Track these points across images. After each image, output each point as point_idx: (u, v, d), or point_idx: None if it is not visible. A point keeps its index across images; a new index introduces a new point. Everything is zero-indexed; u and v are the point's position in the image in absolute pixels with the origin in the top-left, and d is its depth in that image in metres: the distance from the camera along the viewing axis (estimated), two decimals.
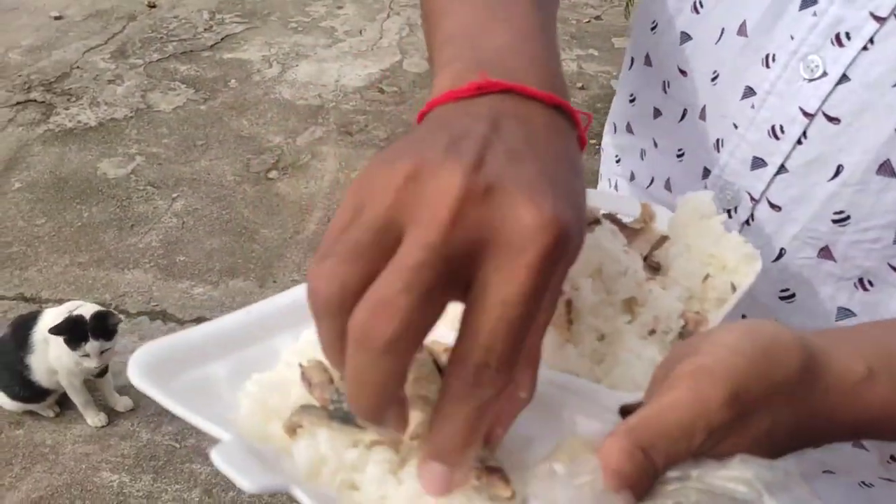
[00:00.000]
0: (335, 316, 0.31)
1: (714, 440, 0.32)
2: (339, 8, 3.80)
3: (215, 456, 0.34)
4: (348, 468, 0.37)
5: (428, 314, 0.30)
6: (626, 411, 0.39)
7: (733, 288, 0.47)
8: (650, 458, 0.31)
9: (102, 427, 1.85)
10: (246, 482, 0.33)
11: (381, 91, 3.13)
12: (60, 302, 2.16)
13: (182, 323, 2.10)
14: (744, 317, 0.57)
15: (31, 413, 1.87)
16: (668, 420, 0.32)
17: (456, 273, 0.30)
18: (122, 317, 1.86)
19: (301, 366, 0.40)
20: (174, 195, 2.55)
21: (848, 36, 0.48)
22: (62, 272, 2.25)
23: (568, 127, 0.37)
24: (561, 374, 0.43)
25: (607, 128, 0.73)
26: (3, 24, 3.45)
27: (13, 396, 1.81)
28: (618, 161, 0.71)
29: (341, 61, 3.34)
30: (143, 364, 0.40)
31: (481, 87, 0.35)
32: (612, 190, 0.71)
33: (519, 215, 0.30)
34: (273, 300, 0.46)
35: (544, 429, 0.39)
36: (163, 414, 1.89)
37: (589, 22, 3.77)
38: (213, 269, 2.28)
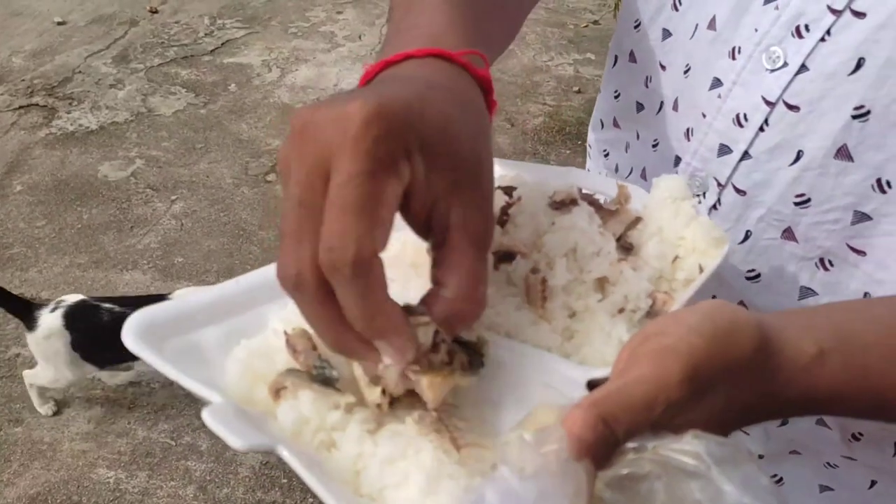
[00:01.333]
0: (302, 292, 0.35)
1: (672, 414, 0.34)
2: (339, 13, 3.83)
3: (207, 416, 0.36)
4: (329, 429, 0.39)
5: (317, 239, 0.35)
6: (592, 385, 0.41)
7: (700, 269, 0.48)
8: (611, 428, 0.33)
9: (98, 425, 1.87)
10: (236, 441, 0.35)
11: None
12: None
13: None
14: (714, 297, 0.59)
15: (30, 410, 1.88)
16: (630, 394, 0.34)
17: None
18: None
19: (286, 333, 0.42)
20: (173, 197, 2.58)
21: (807, 28, 0.50)
22: (62, 273, 2.28)
23: (451, 68, 0.42)
24: (534, 349, 0.45)
25: (593, 125, 0.75)
26: (7, 29, 3.49)
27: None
28: (606, 155, 0.72)
29: (340, 65, 3.37)
30: (136, 328, 0.42)
31: (368, 73, 0.43)
32: (591, 173, 0.73)
33: (339, 116, 0.34)
34: (262, 271, 0.48)
35: (516, 399, 0.41)
36: (159, 412, 1.91)
37: (587, 26, 3.80)
38: (210, 271, 2.30)
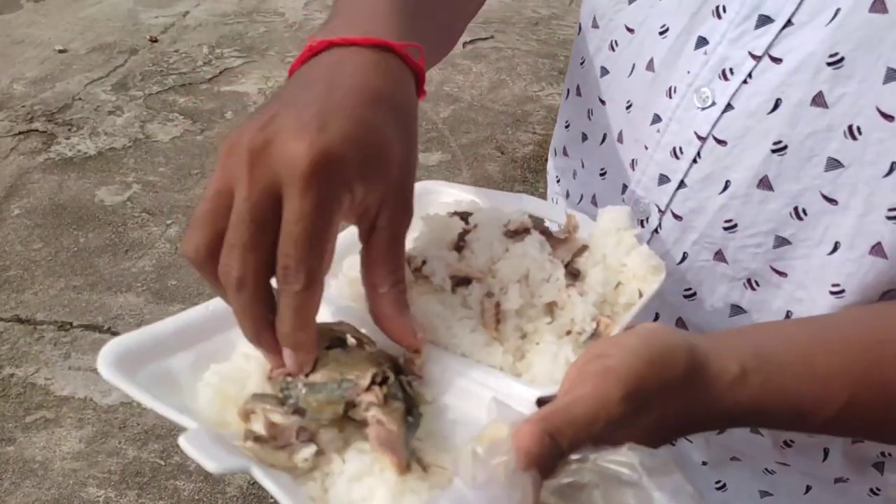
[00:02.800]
0: (201, 270, 0.42)
1: (612, 429, 0.38)
2: None
3: (183, 442, 0.39)
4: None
5: (260, 250, 0.40)
6: (541, 402, 0.45)
7: (640, 294, 0.53)
8: (557, 442, 0.37)
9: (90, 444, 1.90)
10: (211, 464, 0.38)
11: None
12: (55, 324, 2.23)
13: None
14: (657, 315, 0.64)
15: (22, 430, 1.92)
16: (574, 411, 0.38)
17: (277, 213, 0.40)
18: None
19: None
20: (168, 222, 2.63)
21: (732, 71, 0.55)
22: (57, 295, 2.32)
23: (390, 60, 0.45)
24: (488, 370, 0.49)
25: (550, 153, 0.81)
26: (9, 57, 3.56)
27: None
28: (558, 181, 0.78)
29: None
30: (110, 358, 0.44)
31: (311, 48, 0.46)
32: (543, 201, 0.78)
33: (287, 152, 0.39)
34: None
35: (471, 416, 0.45)
36: (149, 432, 1.94)
37: None
38: (203, 294, 2.34)
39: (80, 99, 3.28)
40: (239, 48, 3.79)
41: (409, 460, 0.41)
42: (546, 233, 0.56)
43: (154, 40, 3.77)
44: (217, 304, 0.50)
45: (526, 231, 0.55)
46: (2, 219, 2.61)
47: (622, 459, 0.36)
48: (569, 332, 0.50)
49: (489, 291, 0.52)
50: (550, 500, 0.36)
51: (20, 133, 3.05)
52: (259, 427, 0.42)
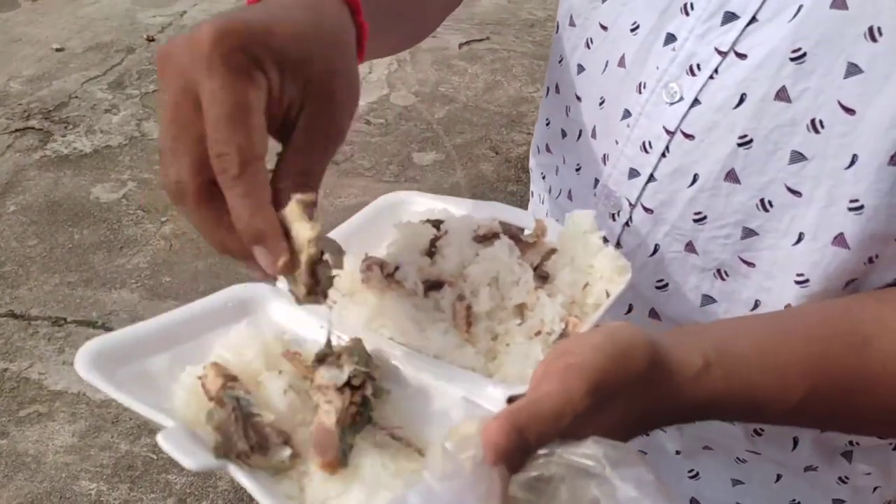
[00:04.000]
0: (184, 199, 0.41)
1: (578, 424, 0.39)
2: None
3: (161, 440, 0.40)
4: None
5: (191, 152, 0.40)
6: (512, 401, 0.45)
7: (608, 294, 0.54)
8: (524, 437, 0.38)
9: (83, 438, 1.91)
10: (188, 461, 0.39)
11: (368, 122, 3.24)
12: (49, 319, 2.24)
13: None
14: (630, 307, 0.66)
15: (15, 424, 1.93)
16: (540, 407, 0.39)
17: (196, 108, 0.40)
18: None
19: (200, 378, 0.45)
20: (163, 219, 2.64)
21: (699, 67, 0.57)
22: (52, 291, 2.33)
23: (336, 1, 0.45)
24: (460, 370, 0.50)
25: (532, 150, 0.82)
26: (6, 55, 3.57)
27: None
28: (543, 178, 0.79)
29: None
30: (88, 357, 0.45)
31: None
32: (514, 208, 0.79)
33: (191, 40, 0.39)
34: (208, 299, 0.52)
35: (444, 414, 0.46)
36: (142, 427, 1.95)
37: None
38: (197, 290, 2.35)
39: (76, 97, 3.29)
40: None
41: (344, 458, 0.42)
42: (515, 237, 0.58)
43: (151, 39, 3.78)
44: (193, 307, 0.51)
45: (495, 236, 0.56)
46: None
47: (587, 452, 0.38)
48: (538, 333, 0.52)
49: (460, 295, 0.53)
50: (519, 494, 0.38)
51: (17, 130, 3.06)
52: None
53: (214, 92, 0.39)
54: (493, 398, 0.46)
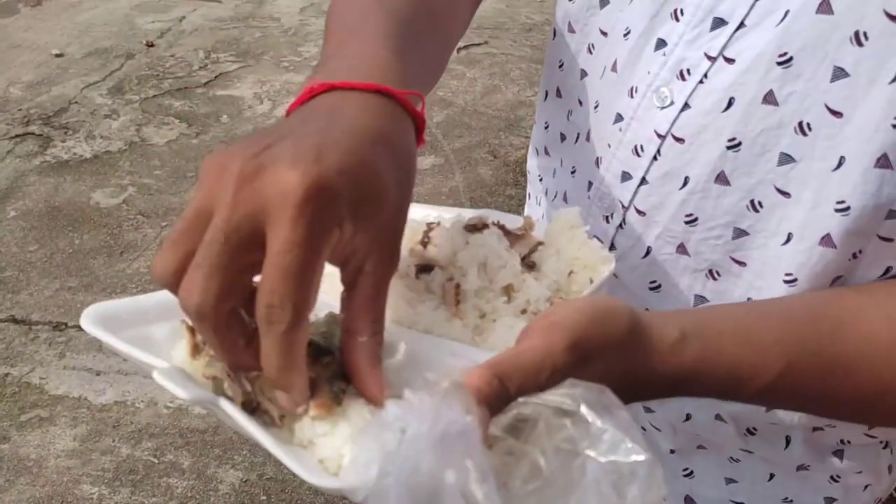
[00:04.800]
0: (171, 291, 0.39)
1: (557, 379, 0.40)
2: None
3: (156, 375, 0.40)
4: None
5: (227, 277, 0.37)
6: None
7: (591, 282, 0.56)
8: (504, 385, 0.39)
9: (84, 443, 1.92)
10: (183, 393, 0.39)
11: None
12: (50, 324, 2.25)
13: None
14: None
15: (17, 428, 1.94)
16: (522, 359, 0.40)
17: (253, 242, 0.37)
18: None
19: (183, 323, 0.45)
20: (163, 224, 2.65)
21: (689, 72, 0.58)
22: (52, 296, 2.34)
23: (391, 106, 0.44)
24: (447, 341, 0.52)
25: (530, 152, 0.83)
26: (6, 61, 3.59)
27: None
28: (540, 180, 0.81)
29: None
30: (94, 316, 0.46)
31: (311, 89, 0.45)
32: (504, 213, 0.80)
33: (281, 180, 0.36)
34: None
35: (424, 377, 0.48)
36: (143, 431, 1.96)
37: None
38: None
39: (76, 102, 3.31)
40: (234, 53, 3.82)
41: (338, 398, 0.43)
42: (504, 230, 0.59)
43: (150, 45, 3.80)
44: None
45: (485, 226, 0.58)
46: None
47: (563, 391, 0.38)
48: (524, 311, 0.53)
49: (450, 277, 0.55)
50: (497, 433, 0.39)
51: (16, 136, 3.07)
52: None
53: (291, 245, 0.36)
54: (475, 361, 0.47)
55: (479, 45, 3.92)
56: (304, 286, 0.37)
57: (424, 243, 0.56)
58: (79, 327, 2.25)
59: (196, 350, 0.45)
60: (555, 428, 0.37)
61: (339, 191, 0.38)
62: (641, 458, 0.37)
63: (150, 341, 0.47)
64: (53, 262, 2.47)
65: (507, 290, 0.55)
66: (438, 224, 0.58)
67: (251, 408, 0.42)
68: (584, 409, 0.37)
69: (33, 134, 3.09)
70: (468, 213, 0.63)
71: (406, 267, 0.54)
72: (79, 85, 3.43)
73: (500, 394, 0.39)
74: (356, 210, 0.39)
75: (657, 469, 0.37)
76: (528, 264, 0.57)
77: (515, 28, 4.18)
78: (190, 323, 0.45)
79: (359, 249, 0.41)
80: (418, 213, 0.65)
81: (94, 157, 2.97)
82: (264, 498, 1.83)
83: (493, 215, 0.64)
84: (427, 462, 0.35)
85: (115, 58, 3.68)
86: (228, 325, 0.39)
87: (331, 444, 0.42)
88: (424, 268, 0.55)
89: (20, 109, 3.23)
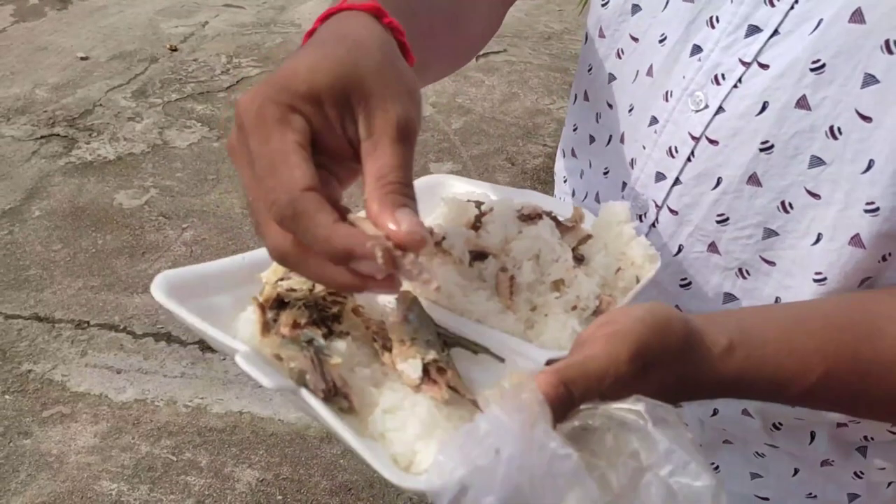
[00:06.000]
0: (285, 260, 0.42)
1: (618, 388, 0.42)
2: None
3: (240, 360, 0.42)
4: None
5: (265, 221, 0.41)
6: (551, 363, 0.48)
7: (637, 280, 0.57)
8: (570, 391, 0.41)
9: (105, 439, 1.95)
10: (267, 381, 0.41)
11: None
12: (72, 322, 2.28)
13: (184, 345, 2.21)
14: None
15: (38, 424, 1.97)
16: (587, 366, 0.42)
17: None
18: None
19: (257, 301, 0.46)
20: (184, 225, 2.69)
21: (723, 77, 0.60)
22: (75, 295, 2.37)
23: (356, 15, 0.46)
24: (503, 334, 0.53)
25: (558, 154, 0.85)
26: (32, 63, 3.65)
27: None
28: (565, 181, 0.82)
29: None
30: (164, 287, 0.48)
31: (328, 13, 0.48)
32: (548, 196, 0.82)
33: (236, 112, 0.42)
34: (262, 250, 0.52)
35: (490, 375, 0.49)
36: (162, 428, 1.98)
37: None
38: None
39: (100, 105, 3.36)
40: (256, 58, 3.86)
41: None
42: (556, 220, 0.61)
43: (174, 49, 3.85)
44: (251, 255, 0.54)
45: (539, 216, 0.60)
46: (23, 220, 2.67)
47: (630, 407, 0.40)
48: (574, 308, 0.55)
49: (503, 267, 0.56)
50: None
51: (42, 137, 3.12)
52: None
53: (254, 150, 0.40)
54: (533, 359, 0.49)
55: (497, 52, 3.95)
56: (282, 171, 0.40)
57: (476, 228, 0.58)
58: (100, 326, 2.29)
59: (266, 328, 0.46)
60: (621, 442, 0.39)
61: (273, 84, 0.41)
62: (708, 482, 0.38)
63: (215, 311, 0.49)
64: (77, 261, 2.51)
65: (558, 285, 0.56)
66: (491, 210, 0.59)
67: (329, 397, 0.43)
68: (651, 427, 0.39)
69: (58, 135, 3.14)
70: (514, 195, 0.64)
71: (461, 252, 0.55)
72: (103, 88, 3.48)
73: (565, 400, 0.40)
74: (315, 90, 0.41)
75: (721, 494, 0.38)
76: (577, 257, 0.58)
77: (534, 36, 4.21)
78: (260, 300, 0.47)
79: (355, 126, 0.42)
80: (462, 188, 0.66)
81: (118, 159, 3.01)
82: (280, 497, 1.85)
83: (538, 198, 0.66)
84: (527, 489, 0.36)
85: (139, 61, 3.73)
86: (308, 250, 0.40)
87: (403, 440, 0.43)
88: (478, 255, 0.56)
89: (45, 111, 3.28)
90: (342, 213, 0.41)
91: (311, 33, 0.48)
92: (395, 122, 0.42)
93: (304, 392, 0.42)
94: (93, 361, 2.17)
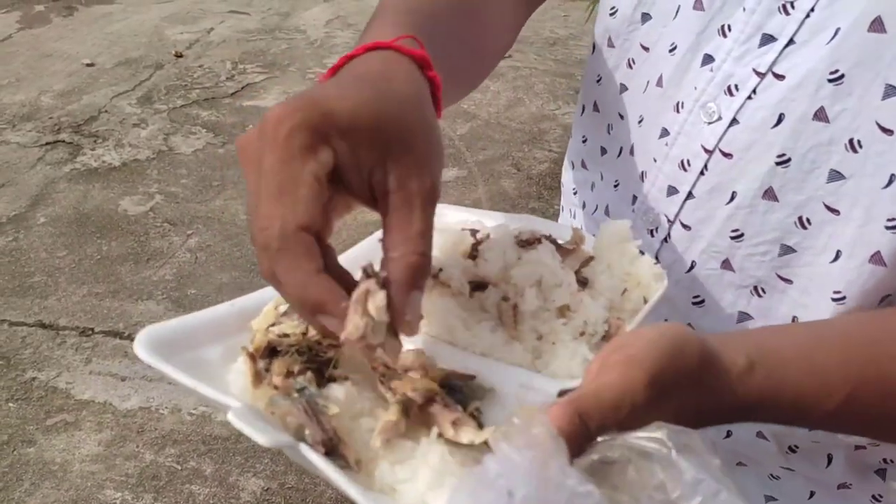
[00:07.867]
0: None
1: (635, 416, 0.40)
2: None
3: (232, 417, 0.40)
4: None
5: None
6: (563, 394, 0.46)
7: (645, 301, 0.55)
8: (585, 423, 0.39)
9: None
10: (262, 438, 0.38)
11: None
12: (77, 329, 2.28)
13: None
14: (666, 322, 0.66)
15: (42, 432, 1.96)
16: (602, 396, 0.40)
17: None
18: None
19: (245, 351, 0.45)
20: (189, 232, 2.68)
21: (737, 88, 0.58)
22: (79, 301, 2.37)
23: (405, 61, 0.47)
24: (509, 366, 0.51)
25: (565, 166, 0.83)
26: (38, 70, 3.65)
27: None
28: (575, 193, 0.81)
29: None
30: (147, 344, 0.45)
31: (353, 54, 0.49)
32: (546, 219, 0.80)
33: (261, 125, 0.41)
34: (253, 295, 0.53)
35: (498, 409, 0.46)
36: (166, 437, 1.97)
37: None
38: (221, 302, 2.38)
39: (105, 111, 3.36)
40: (261, 64, 3.86)
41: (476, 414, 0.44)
42: (555, 243, 0.59)
43: (179, 55, 3.85)
44: (241, 301, 0.52)
45: (537, 241, 0.57)
46: (27, 226, 2.67)
47: (651, 435, 0.37)
48: (582, 333, 0.53)
49: (505, 296, 0.54)
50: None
51: (47, 143, 3.12)
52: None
53: (266, 168, 0.40)
54: (544, 391, 0.47)
55: (503, 58, 3.94)
56: (287, 201, 0.39)
57: (474, 257, 0.56)
58: (105, 333, 2.28)
59: (258, 378, 0.44)
60: (645, 474, 0.36)
61: (311, 109, 0.40)
62: None
63: (204, 366, 0.47)
64: (81, 268, 2.50)
65: (563, 311, 0.54)
66: (487, 237, 0.57)
67: (330, 449, 0.41)
68: (675, 456, 0.36)
69: (63, 142, 3.13)
70: (509, 221, 0.62)
71: (459, 284, 0.53)
72: (108, 94, 3.48)
73: (581, 433, 0.39)
74: (347, 127, 0.41)
75: None
76: (580, 280, 0.56)
77: (539, 42, 4.20)
78: (250, 350, 0.45)
79: (376, 168, 0.42)
80: (454, 217, 0.64)
81: (123, 165, 3.01)
82: None
83: (535, 223, 0.64)
84: None
85: (145, 68, 3.73)
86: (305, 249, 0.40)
87: (414, 490, 0.41)
88: (478, 285, 0.54)
89: (51, 117, 3.28)
90: (327, 256, 0.41)
91: (351, 57, 0.47)
92: (429, 187, 0.43)
93: (303, 446, 0.40)
94: (97, 369, 2.16)
